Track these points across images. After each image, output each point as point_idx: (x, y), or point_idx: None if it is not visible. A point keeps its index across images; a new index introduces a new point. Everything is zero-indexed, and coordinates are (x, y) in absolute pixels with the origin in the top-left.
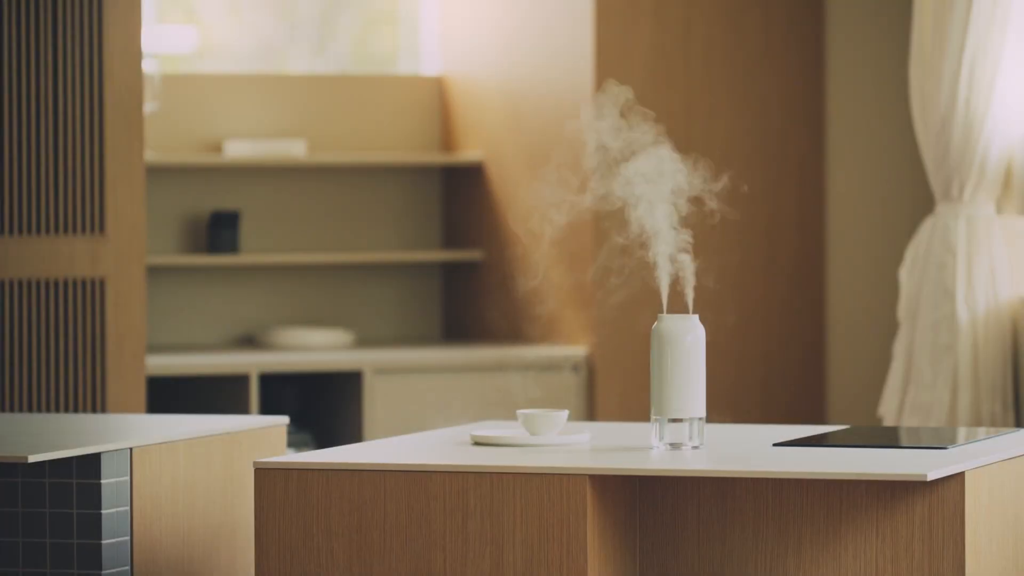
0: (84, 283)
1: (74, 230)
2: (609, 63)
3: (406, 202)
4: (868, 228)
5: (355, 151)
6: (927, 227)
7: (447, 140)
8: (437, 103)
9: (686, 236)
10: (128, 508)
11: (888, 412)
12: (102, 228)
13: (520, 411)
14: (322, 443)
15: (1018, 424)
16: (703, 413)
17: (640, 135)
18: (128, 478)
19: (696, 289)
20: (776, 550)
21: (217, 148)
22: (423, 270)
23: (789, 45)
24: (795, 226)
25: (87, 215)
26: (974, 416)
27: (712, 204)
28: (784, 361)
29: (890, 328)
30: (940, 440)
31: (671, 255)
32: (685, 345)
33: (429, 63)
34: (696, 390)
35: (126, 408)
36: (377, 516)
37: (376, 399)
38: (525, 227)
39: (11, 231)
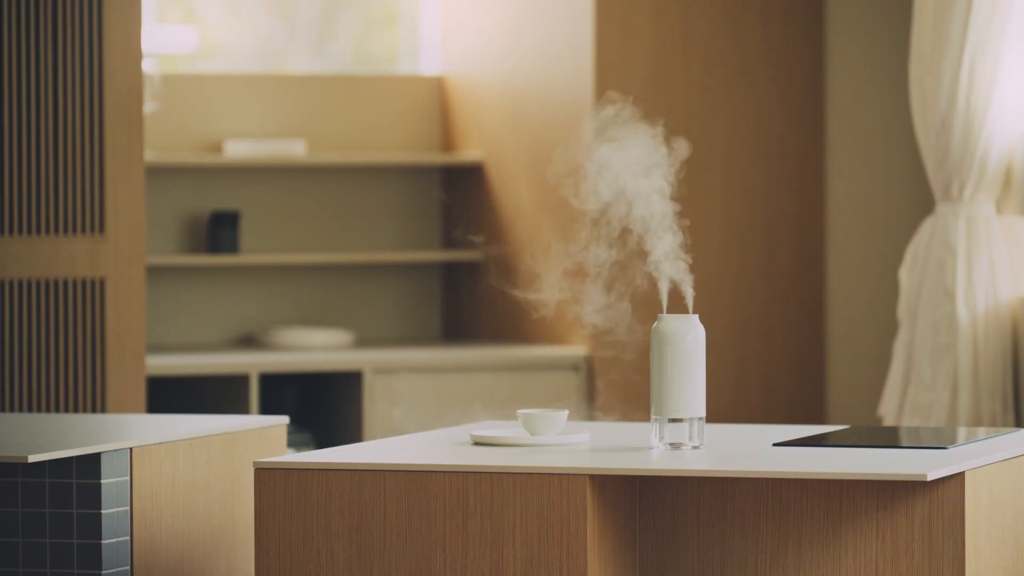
0: (84, 283)
1: (74, 230)
2: (609, 63)
3: (406, 202)
4: (868, 228)
5: (355, 151)
6: (927, 227)
7: (447, 140)
8: (437, 103)
9: (685, 236)
10: (128, 508)
11: (888, 412)
12: (102, 228)
13: (520, 411)
14: (322, 443)
15: (1018, 424)
16: (703, 413)
17: (638, 140)
18: (128, 478)
19: (696, 289)
20: (776, 550)
21: (217, 148)
22: (423, 270)
23: (789, 45)
24: (795, 226)
25: (87, 215)
26: (974, 416)
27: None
28: (784, 361)
29: (890, 328)
30: (940, 440)
31: (671, 255)
32: (685, 345)
33: (429, 63)
34: (696, 390)
35: (126, 408)
36: (377, 516)
37: (376, 399)
38: (525, 227)
39: (11, 231)
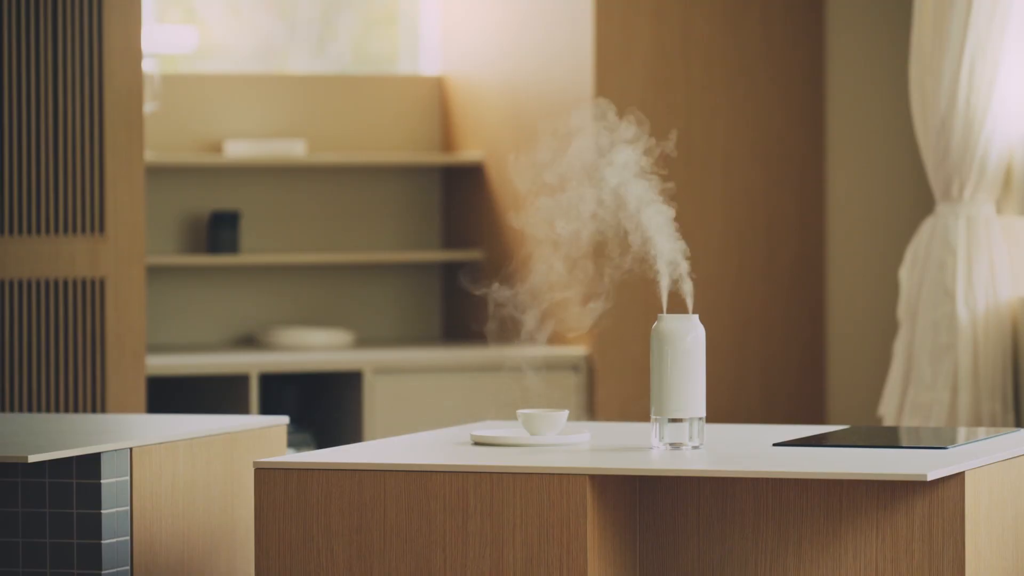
0: (84, 283)
1: (74, 230)
2: (609, 63)
3: (406, 202)
4: (868, 228)
5: (355, 151)
6: (927, 227)
7: (447, 140)
8: (437, 103)
9: (685, 236)
10: (128, 508)
11: (888, 412)
12: (102, 228)
13: (520, 411)
14: (322, 443)
15: (1018, 424)
16: (703, 413)
17: (631, 145)
18: (128, 478)
19: (696, 289)
20: (776, 550)
21: (217, 148)
22: (423, 270)
23: (789, 45)
24: (795, 226)
25: (87, 215)
26: (974, 416)
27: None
28: (784, 361)
29: (890, 328)
30: (940, 440)
31: (671, 255)
32: (685, 345)
33: (429, 63)
34: (696, 390)
35: (126, 408)
36: (377, 516)
37: (376, 399)
38: (524, 227)
39: (11, 231)
